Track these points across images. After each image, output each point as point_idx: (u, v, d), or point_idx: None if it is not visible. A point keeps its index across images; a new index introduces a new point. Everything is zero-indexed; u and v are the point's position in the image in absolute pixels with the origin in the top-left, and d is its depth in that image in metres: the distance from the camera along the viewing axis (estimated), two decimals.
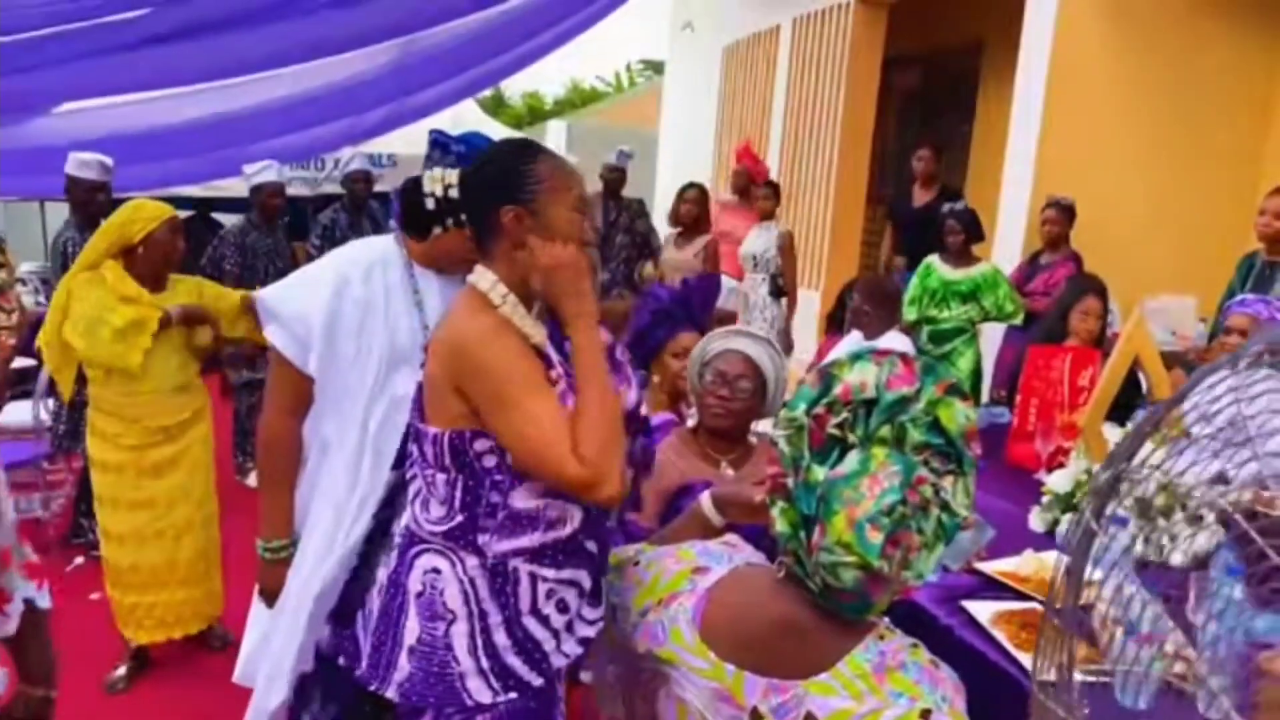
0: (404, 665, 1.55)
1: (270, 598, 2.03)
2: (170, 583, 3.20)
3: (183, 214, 3.43)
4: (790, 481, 1.16)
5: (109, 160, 4.16)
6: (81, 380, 4.15)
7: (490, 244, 1.56)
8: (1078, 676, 1.56)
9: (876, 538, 1.09)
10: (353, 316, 1.94)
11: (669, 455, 2.26)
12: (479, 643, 1.53)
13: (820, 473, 1.14)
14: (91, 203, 4.15)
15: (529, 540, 1.52)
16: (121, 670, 3.27)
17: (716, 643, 1.26)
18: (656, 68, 18.29)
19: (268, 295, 1.99)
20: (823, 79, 7.41)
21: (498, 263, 1.55)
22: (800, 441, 1.17)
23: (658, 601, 1.36)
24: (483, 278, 1.55)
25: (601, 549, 1.60)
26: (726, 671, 1.23)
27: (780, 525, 1.17)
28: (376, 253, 2.02)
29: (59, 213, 7.30)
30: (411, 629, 1.55)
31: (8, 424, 4.65)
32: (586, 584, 1.59)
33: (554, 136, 14.51)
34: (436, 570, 1.55)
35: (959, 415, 1.15)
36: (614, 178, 6.30)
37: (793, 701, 1.17)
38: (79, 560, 4.24)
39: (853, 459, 1.14)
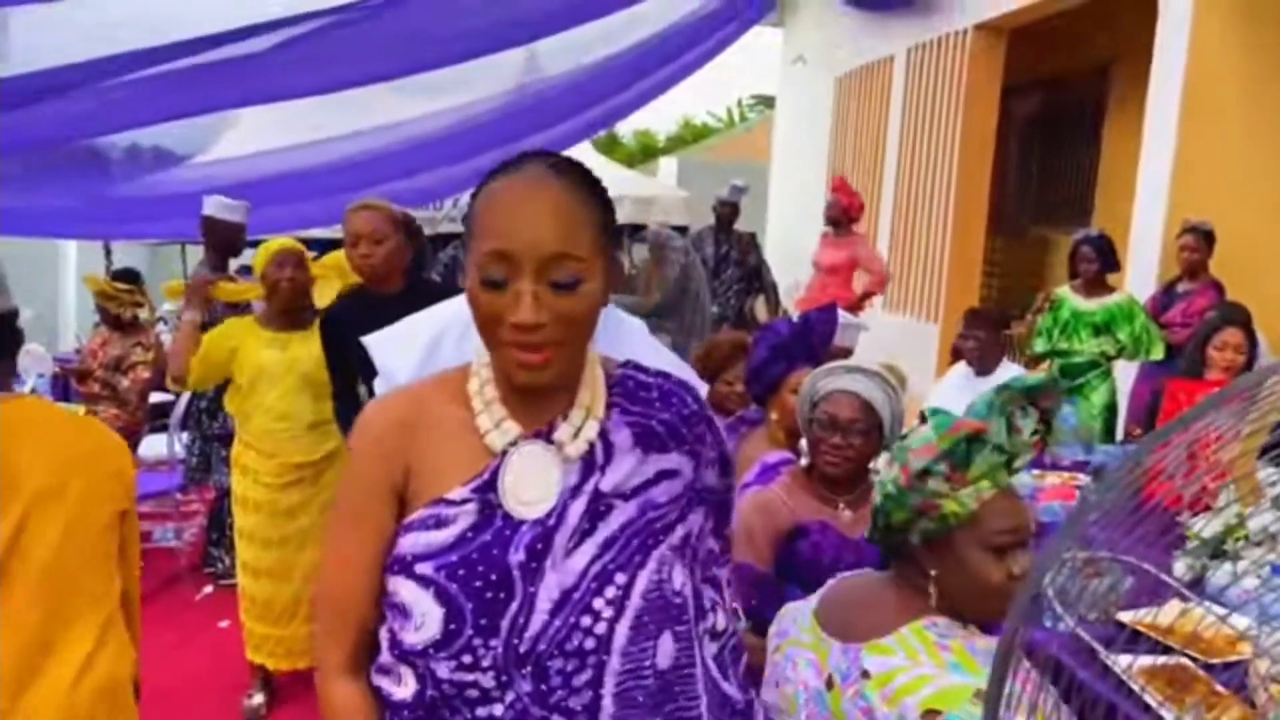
0: None
1: None
2: (298, 617, 3.28)
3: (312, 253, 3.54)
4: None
5: (245, 203, 4.35)
6: (212, 413, 4.35)
7: None
8: None
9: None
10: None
11: (781, 496, 2.19)
12: None
13: None
14: (227, 244, 4.35)
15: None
16: (259, 698, 3.36)
17: (824, 617, 1.44)
18: (767, 102, 18.32)
19: (372, 343, 1.87)
20: (939, 108, 7.25)
21: None
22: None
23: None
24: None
25: None
26: (822, 641, 1.40)
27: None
28: None
29: (199, 255, 7.72)
30: None
31: (145, 456, 4.88)
32: None
33: (665, 173, 14.63)
34: None
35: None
36: (725, 211, 6.29)
37: (853, 663, 1.32)
38: (208, 589, 4.40)
39: None
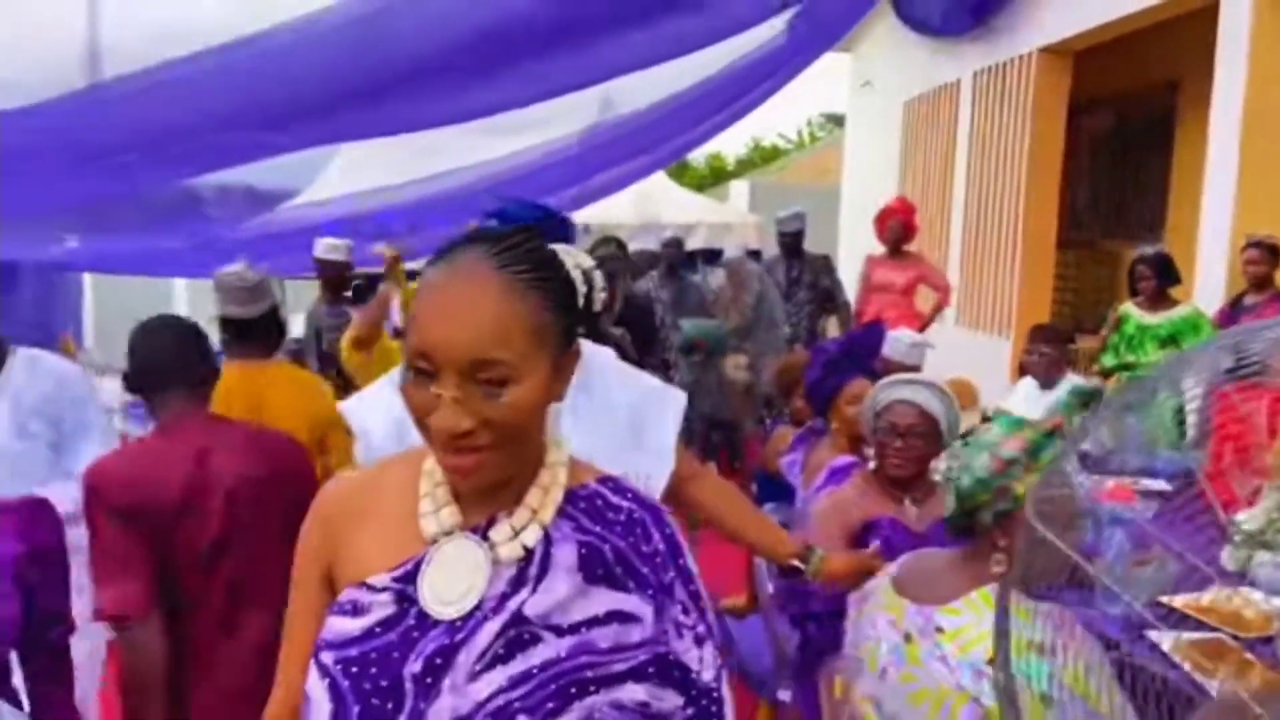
0: None
1: None
2: None
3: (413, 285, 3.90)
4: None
5: (350, 242, 4.77)
6: None
7: None
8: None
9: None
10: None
11: (852, 496, 2.45)
12: None
13: None
14: (337, 281, 4.77)
15: None
16: None
17: (900, 585, 1.76)
18: (837, 120, 18.48)
19: (346, 409, 1.84)
20: (1006, 129, 7.41)
21: None
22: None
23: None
24: None
25: None
26: (897, 603, 1.74)
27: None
28: None
29: (294, 288, 8.27)
30: None
31: None
32: None
33: (736, 196, 14.91)
34: None
35: None
36: (787, 241, 6.55)
37: (927, 621, 1.65)
38: None
39: None
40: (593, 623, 1.00)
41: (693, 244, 8.97)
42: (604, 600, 1.01)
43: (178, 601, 1.93)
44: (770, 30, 6.18)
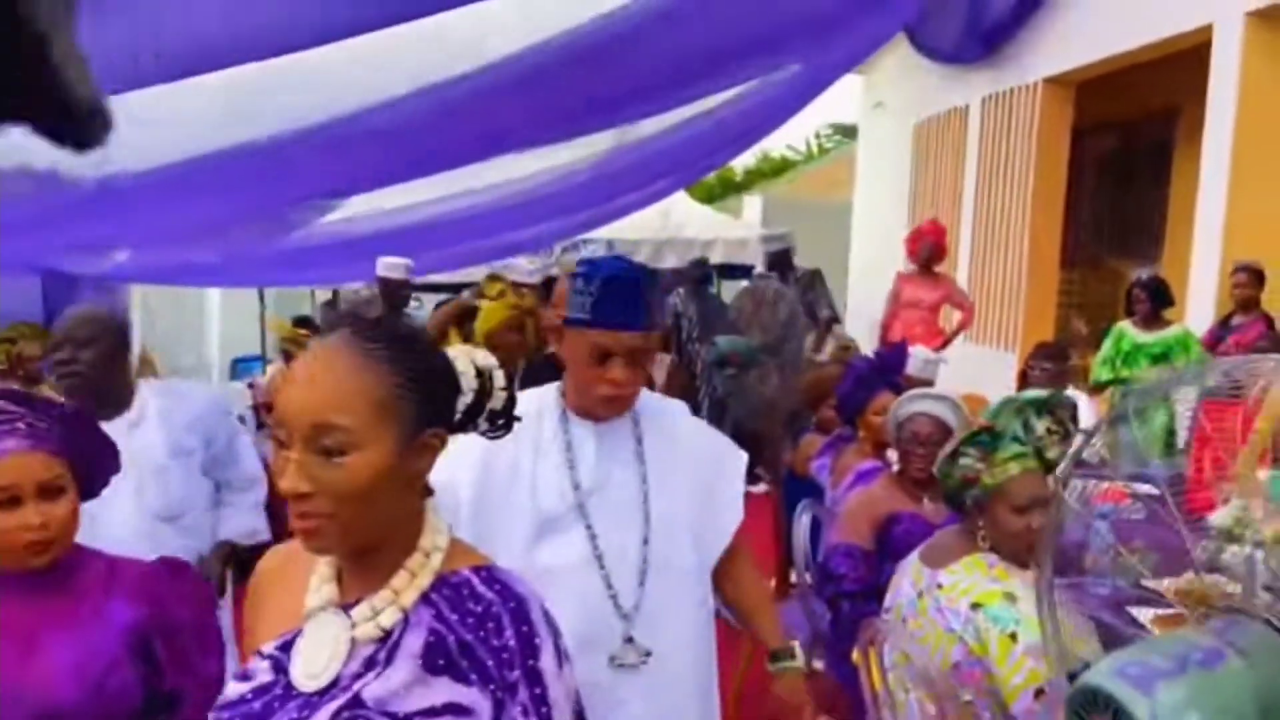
0: None
1: None
2: None
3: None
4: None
5: (409, 261, 5.17)
6: None
7: None
8: None
9: None
10: (502, 482, 1.73)
11: (878, 494, 2.86)
12: None
13: None
14: (398, 296, 5.18)
15: None
16: None
17: (924, 558, 2.18)
18: (846, 132, 18.71)
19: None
20: (1012, 154, 7.81)
21: None
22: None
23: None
24: None
25: None
26: (919, 567, 2.16)
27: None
28: (534, 404, 1.76)
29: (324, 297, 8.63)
30: None
31: None
32: None
33: (750, 211, 15.28)
34: None
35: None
36: (772, 261, 6.95)
37: (931, 579, 2.11)
38: None
39: None
40: (429, 713, 1.01)
41: (712, 259, 9.36)
42: (444, 691, 1.02)
43: None
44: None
